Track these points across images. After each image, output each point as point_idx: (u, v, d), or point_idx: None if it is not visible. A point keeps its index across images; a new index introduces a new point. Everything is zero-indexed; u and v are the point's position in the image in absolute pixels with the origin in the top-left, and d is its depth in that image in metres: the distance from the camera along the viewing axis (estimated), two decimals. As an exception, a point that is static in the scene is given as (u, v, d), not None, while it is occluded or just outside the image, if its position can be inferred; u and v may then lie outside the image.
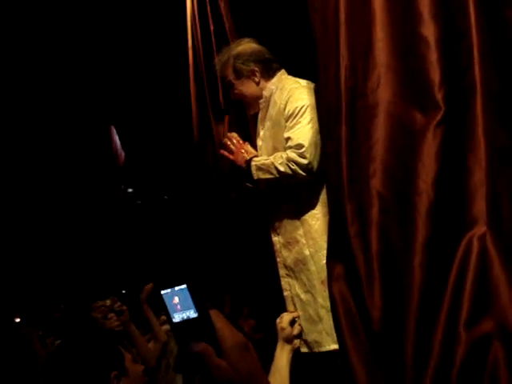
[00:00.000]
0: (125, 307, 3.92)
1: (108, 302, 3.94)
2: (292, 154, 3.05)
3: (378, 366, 2.17)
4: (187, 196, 8.39)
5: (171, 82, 7.32)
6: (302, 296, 3.17)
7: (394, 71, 2.25)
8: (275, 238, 3.31)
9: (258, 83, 3.38)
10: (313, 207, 3.13)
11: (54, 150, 9.00)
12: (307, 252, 3.13)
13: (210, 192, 4.65)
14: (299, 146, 3.04)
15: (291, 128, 3.11)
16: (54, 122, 8.71)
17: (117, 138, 9.92)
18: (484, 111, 2.02)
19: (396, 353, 2.09)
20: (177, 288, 1.25)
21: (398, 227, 2.17)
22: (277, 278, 3.35)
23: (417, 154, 2.14)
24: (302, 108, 3.11)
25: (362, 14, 2.35)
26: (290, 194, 3.21)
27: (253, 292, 4.10)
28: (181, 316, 1.24)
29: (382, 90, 2.26)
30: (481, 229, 2.00)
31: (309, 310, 3.13)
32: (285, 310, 3.22)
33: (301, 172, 3.04)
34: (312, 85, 3.22)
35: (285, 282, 3.28)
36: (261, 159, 3.25)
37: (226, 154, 3.41)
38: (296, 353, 2.73)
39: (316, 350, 3.10)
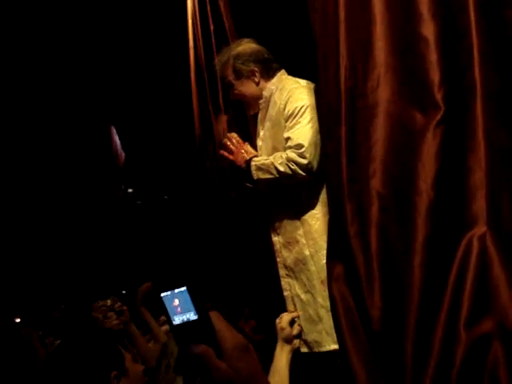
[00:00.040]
0: (125, 307, 3.91)
1: (108, 302, 3.94)
2: (292, 154, 3.05)
3: (378, 366, 2.17)
4: (187, 196, 8.40)
5: (171, 82, 7.33)
6: (302, 296, 3.17)
7: (394, 71, 2.25)
8: (275, 238, 3.31)
9: (257, 83, 3.38)
10: (313, 207, 3.13)
11: (54, 150, 9.00)
12: (307, 252, 3.13)
13: (210, 192, 4.65)
14: (299, 146, 3.04)
15: (291, 128, 3.11)
16: (54, 122, 8.72)
17: (117, 138, 9.93)
18: (484, 111, 2.02)
19: (396, 353, 2.09)
20: (177, 290, 1.25)
21: (397, 227, 2.17)
22: (277, 278, 3.35)
23: (417, 154, 2.14)
24: (301, 108, 3.11)
25: (361, 13, 2.35)
26: (289, 194, 3.20)
27: (253, 292, 4.10)
28: (181, 318, 1.24)
29: (382, 89, 2.26)
30: (481, 229, 2.00)
31: (309, 309, 3.13)
32: (285, 310, 3.22)
33: (300, 172, 3.04)
34: (312, 85, 3.21)
35: (285, 282, 3.28)
36: (260, 159, 3.24)
37: (225, 154, 3.41)
38: (296, 353, 2.74)
39: (316, 349, 3.10)
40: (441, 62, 2.12)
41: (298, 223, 3.18)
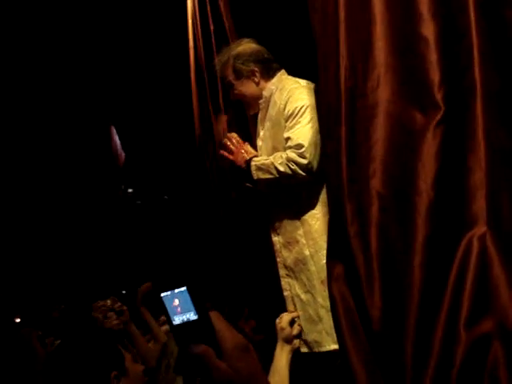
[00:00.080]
0: (125, 307, 3.91)
1: (108, 302, 3.93)
2: (292, 154, 3.05)
3: (378, 366, 2.17)
4: (187, 196, 8.40)
5: (171, 82, 7.32)
6: (302, 296, 3.17)
7: (394, 71, 2.25)
8: (275, 238, 3.31)
9: (257, 83, 3.38)
10: (313, 207, 3.13)
11: (54, 149, 9.00)
12: (307, 252, 3.13)
13: (210, 192, 4.65)
14: (299, 146, 3.04)
15: (291, 128, 3.11)
16: (54, 122, 8.72)
17: (117, 138, 9.93)
18: (484, 111, 2.02)
19: (396, 353, 2.09)
20: (177, 290, 1.25)
21: (397, 227, 2.17)
22: (277, 278, 3.35)
23: (416, 154, 2.14)
24: (301, 108, 3.11)
25: (361, 13, 2.35)
26: (289, 194, 3.20)
27: (253, 292, 4.10)
28: (181, 318, 1.24)
29: (382, 89, 2.26)
30: (481, 229, 2.00)
31: (309, 309, 3.13)
32: (285, 310, 3.22)
33: (300, 172, 3.04)
34: (312, 85, 3.21)
35: (285, 282, 3.28)
36: (260, 159, 3.24)
37: (225, 154, 3.41)
38: (296, 353, 2.74)
39: (316, 349, 3.10)
40: (441, 62, 2.12)
41: (298, 223, 3.18)
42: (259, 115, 3.43)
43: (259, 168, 3.21)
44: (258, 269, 3.95)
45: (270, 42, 3.48)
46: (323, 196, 3.06)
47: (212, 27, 4.07)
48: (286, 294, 3.29)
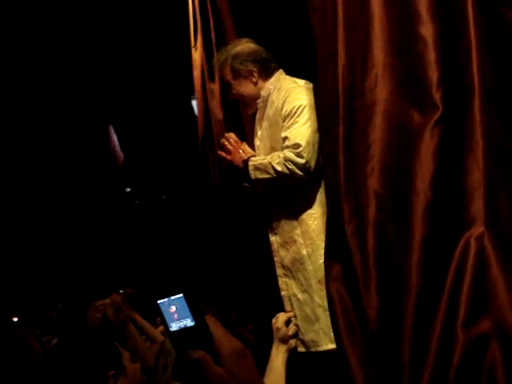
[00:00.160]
0: (124, 306, 3.91)
1: (107, 302, 3.93)
2: (289, 154, 3.05)
3: (376, 366, 2.17)
4: (185, 196, 8.40)
5: (170, 82, 7.33)
6: (299, 295, 3.17)
7: (392, 70, 2.25)
8: (273, 238, 3.31)
9: (255, 83, 3.38)
10: (310, 207, 3.13)
11: (52, 149, 9.00)
12: (304, 252, 3.13)
13: (208, 192, 4.65)
14: (296, 146, 3.04)
15: (288, 128, 3.11)
16: (52, 122, 8.72)
17: (115, 138, 9.93)
18: (482, 111, 2.02)
19: (393, 352, 2.09)
20: (173, 297, 1.25)
21: (395, 227, 2.17)
22: (274, 278, 3.35)
23: (414, 154, 2.14)
24: (299, 108, 3.10)
25: (360, 13, 2.35)
26: (287, 193, 3.20)
27: (251, 292, 4.11)
28: (178, 325, 1.24)
29: (380, 89, 2.26)
30: (478, 229, 2.00)
31: (306, 309, 3.13)
32: (282, 309, 3.22)
33: (298, 171, 3.04)
34: (310, 85, 3.21)
35: (282, 281, 3.28)
36: (258, 159, 3.24)
37: (223, 154, 3.41)
38: (293, 352, 2.73)
39: (313, 349, 3.10)
40: (439, 62, 2.12)
41: (295, 223, 3.18)
42: (257, 115, 3.43)
43: (257, 168, 3.20)
44: (255, 268, 3.95)
45: (269, 42, 3.49)
46: (321, 196, 3.07)
47: (212, 26, 4.07)
48: (283, 293, 3.29)
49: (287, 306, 3.23)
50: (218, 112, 4.19)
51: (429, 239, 2.07)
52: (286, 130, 3.12)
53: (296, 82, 3.29)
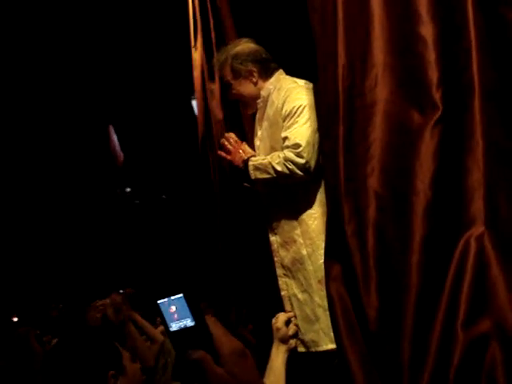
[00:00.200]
0: (124, 306, 3.91)
1: (107, 302, 3.93)
2: (289, 154, 3.05)
3: (376, 366, 2.17)
4: (185, 195, 8.40)
5: (170, 82, 7.33)
6: (299, 295, 3.17)
7: (392, 70, 2.25)
8: (273, 238, 3.31)
9: (255, 83, 3.38)
10: (310, 207, 3.13)
11: (52, 149, 9.00)
12: (304, 252, 3.13)
13: (208, 192, 4.65)
14: (296, 146, 3.04)
15: (288, 128, 3.11)
16: (52, 122, 8.71)
17: (115, 138, 9.92)
18: (482, 111, 2.02)
19: (393, 352, 2.09)
20: (173, 297, 1.25)
21: (395, 227, 2.17)
22: (274, 278, 3.35)
23: (414, 154, 2.14)
24: (299, 108, 3.10)
25: (360, 13, 2.35)
26: (287, 193, 3.20)
27: (251, 292, 4.11)
28: (178, 325, 1.24)
29: (380, 89, 2.26)
30: (478, 229, 2.01)
31: (306, 309, 3.13)
32: (282, 309, 3.22)
33: (298, 171, 3.04)
34: (310, 85, 3.21)
35: (282, 281, 3.28)
36: (258, 159, 3.24)
37: (223, 154, 3.41)
38: (293, 352, 2.73)
39: (313, 349, 3.10)
40: (439, 62, 2.12)
41: (295, 223, 3.18)
42: (257, 115, 3.43)
43: (257, 168, 3.21)
44: (255, 268, 3.95)
45: (269, 42, 3.49)
46: (320, 196, 3.07)
47: (212, 26, 4.08)
48: (283, 293, 3.29)
49: (287, 306, 3.23)
50: (218, 112, 4.20)
51: (429, 239, 2.07)
52: (285, 130, 3.12)
53: (296, 82, 3.29)
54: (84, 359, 2.02)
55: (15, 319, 7.27)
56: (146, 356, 3.57)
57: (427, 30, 2.15)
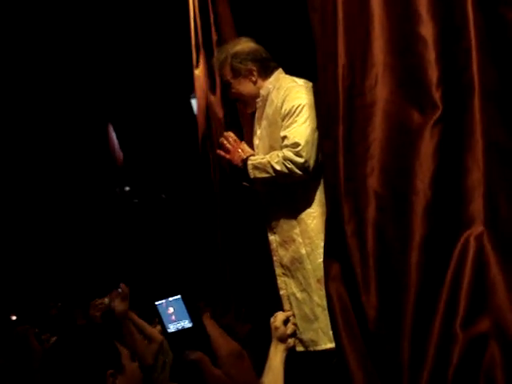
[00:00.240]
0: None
1: (106, 301, 3.92)
2: (288, 153, 3.05)
3: (375, 365, 2.17)
4: (185, 195, 8.40)
5: (169, 81, 7.32)
6: (298, 295, 3.17)
7: (392, 70, 2.25)
8: (272, 237, 3.31)
9: (255, 82, 3.38)
10: (309, 206, 3.13)
11: (51, 147, 9.00)
12: (303, 251, 3.13)
13: (208, 191, 4.65)
14: (295, 145, 3.04)
15: (287, 127, 3.11)
16: (51, 120, 8.71)
17: (114, 137, 9.92)
18: (482, 111, 2.02)
19: (392, 352, 2.10)
20: (171, 299, 1.25)
21: (394, 226, 2.18)
22: (273, 277, 3.35)
23: (414, 153, 2.14)
24: (298, 107, 3.10)
25: (360, 13, 2.35)
26: (286, 192, 3.20)
27: (250, 291, 4.11)
28: (176, 326, 1.24)
29: (380, 88, 2.27)
30: (478, 228, 2.01)
31: (305, 308, 3.13)
32: (281, 308, 3.22)
33: (297, 171, 3.04)
34: (309, 84, 3.21)
35: (281, 280, 3.28)
36: (257, 158, 3.24)
37: (222, 153, 3.40)
38: (291, 352, 2.74)
39: (312, 348, 3.10)
40: (439, 62, 2.12)
41: (294, 222, 3.18)
42: (256, 114, 3.43)
43: (256, 167, 3.20)
44: (254, 267, 3.95)
45: (268, 42, 3.48)
46: (320, 195, 3.07)
47: (213, 22, 4.08)
48: (282, 292, 3.29)
49: (286, 305, 3.23)
50: (218, 111, 4.20)
51: (428, 239, 2.07)
52: (285, 129, 3.12)
53: (295, 82, 3.29)
54: (83, 357, 2.02)
55: (14, 318, 7.26)
56: (145, 355, 3.57)
57: (427, 30, 2.15)
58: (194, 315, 1.22)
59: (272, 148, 3.22)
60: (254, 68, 3.35)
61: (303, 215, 3.14)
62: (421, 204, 2.10)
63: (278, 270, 3.29)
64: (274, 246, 3.30)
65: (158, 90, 8.02)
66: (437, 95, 2.10)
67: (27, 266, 9.04)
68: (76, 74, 8.07)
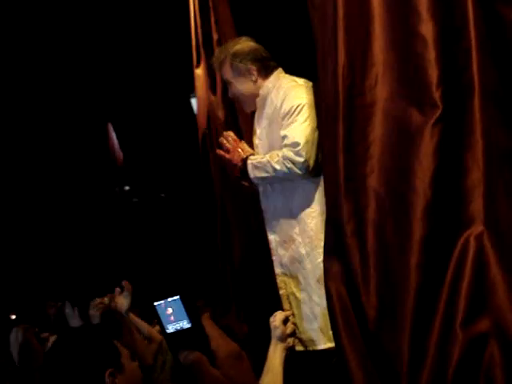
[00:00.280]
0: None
1: (106, 300, 3.93)
2: (288, 153, 3.05)
3: (375, 365, 2.17)
4: (185, 194, 8.40)
5: (169, 80, 7.32)
6: (298, 294, 3.17)
7: (392, 69, 2.25)
8: (271, 237, 3.31)
9: (255, 82, 3.38)
10: (309, 206, 3.13)
11: (51, 147, 9.00)
12: (303, 250, 3.13)
13: (208, 191, 4.66)
14: (295, 144, 3.04)
15: (287, 126, 3.11)
16: (51, 120, 8.71)
17: (114, 136, 9.92)
18: (482, 110, 2.02)
19: (392, 352, 2.10)
20: (170, 299, 1.25)
21: (394, 226, 2.18)
22: (273, 277, 3.35)
23: (414, 153, 2.14)
24: (298, 106, 3.10)
25: (360, 12, 2.35)
26: (285, 192, 3.21)
27: (249, 290, 4.11)
28: (174, 327, 1.25)
29: (380, 88, 2.26)
30: (478, 228, 2.01)
31: (304, 308, 3.13)
32: (281, 308, 3.22)
33: (297, 170, 3.04)
34: (309, 84, 3.22)
35: (280, 280, 3.28)
36: (257, 157, 3.24)
37: (222, 152, 3.40)
38: (291, 351, 2.74)
39: (311, 348, 3.10)
40: (439, 61, 2.12)
41: (293, 222, 3.18)
42: (256, 113, 3.43)
43: (255, 166, 3.20)
44: (254, 267, 3.95)
45: (268, 41, 3.49)
46: (319, 194, 3.07)
47: (213, 22, 4.08)
48: (281, 292, 3.29)
49: (285, 305, 3.23)
50: (218, 111, 4.20)
51: (428, 238, 2.07)
52: (285, 129, 3.12)
53: (295, 81, 3.29)
54: (83, 357, 2.02)
55: (13, 317, 7.27)
56: (145, 355, 3.57)
57: (427, 29, 2.15)
58: (192, 316, 1.23)
59: (272, 147, 3.22)
60: (254, 67, 3.35)
61: (303, 215, 3.14)
62: (421, 204, 2.10)
63: (278, 270, 3.30)
64: (273, 245, 3.30)
65: (158, 90, 8.02)
66: (437, 95, 2.10)
67: (27, 266, 9.04)
68: (76, 74, 8.07)
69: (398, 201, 2.18)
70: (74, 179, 9.33)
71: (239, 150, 3.35)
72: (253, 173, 3.21)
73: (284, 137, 3.11)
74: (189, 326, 1.20)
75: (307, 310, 3.12)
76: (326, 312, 2.50)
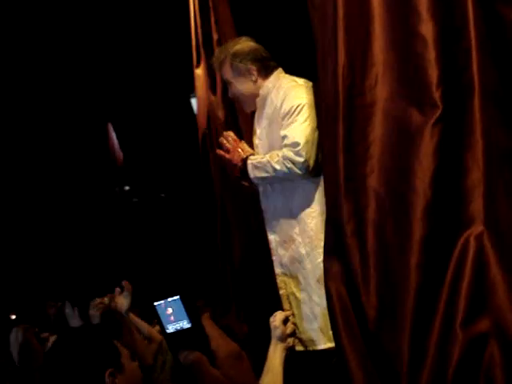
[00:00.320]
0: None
1: (106, 300, 3.92)
2: (288, 153, 3.05)
3: (375, 365, 2.17)
4: (185, 194, 8.40)
5: (169, 80, 7.32)
6: (298, 294, 3.17)
7: (392, 69, 2.25)
8: (271, 237, 3.31)
9: (255, 82, 3.38)
10: (309, 206, 3.13)
11: (51, 147, 9.00)
12: (303, 250, 3.13)
13: (208, 191, 4.66)
14: (295, 144, 3.04)
15: (287, 126, 3.11)
16: (51, 120, 8.71)
17: (114, 136, 9.92)
18: (482, 110, 2.02)
19: (392, 352, 2.10)
20: (170, 299, 1.25)
21: (394, 226, 2.18)
22: (273, 277, 3.35)
23: (414, 153, 2.14)
24: (298, 106, 3.10)
25: (360, 12, 2.35)
26: (285, 192, 3.21)
27: (249, 290, 4.11)
28: (174, 327, 1.25)
29: (380, 88, 2.26)
30: (478, 228, 2.01)
31: (304, 308, 3.13)
32: (281, 308, 3.22)
33: (297, 170, 3.04)
34: (309, 84, 3.22)
35: (280, 280, 3.28)
36: (257, 157, 3.24)
37: (222, 152, 3.40)
38: (291, 351, 2.74)
39: (311, 348, 3.10)
40: (439, 61, 2.12)
41: (293, 221, 3.18)
42: (256, 113, 3.43)
43: (255, 166, 3.20)
44: (254, 267, 3.95)
45: (268, 41, 3.49)
46: (319, 194, 3.07)
47: (213, 22, 4.08)
48: (281, 292, 3.29)
49: (285, 305, 3.23)
50: (218, 111, 4.20)
51: (428, 238, 2.07)
52: (285, 129, 3.12)
53: (295, 81, 3.29)
54: (83, 357, 2.02)
55: (13, 317, 7.27)
56: (145, 355, 3.57)
57: (427, 29, 2.15)
58: (192, 316, 1.22)
59: (272, 147, 3.22)
60: (254, 67, 3.35)
61: (303, 215, 3.14)
62: (421, 204, 2.10)
63: (278, 270, 3.30)
64: (273, 245, 3.31)
65: (158, 90, 8.02)
66: (437, 95, 2.10)
67: (27, 266, 9.04)
68: (76, 74, 8.07)
69: (398, 201, 2.18)
70: (74, 179, 9.33)
71: (239, 149, 3.35)
72: (253, 173, 3.21)
73: (284, 137, 3.11)
74: (189, 326, 1.20)
75: (307, 309, 3.12)
76: (326, 312, 2.50)
